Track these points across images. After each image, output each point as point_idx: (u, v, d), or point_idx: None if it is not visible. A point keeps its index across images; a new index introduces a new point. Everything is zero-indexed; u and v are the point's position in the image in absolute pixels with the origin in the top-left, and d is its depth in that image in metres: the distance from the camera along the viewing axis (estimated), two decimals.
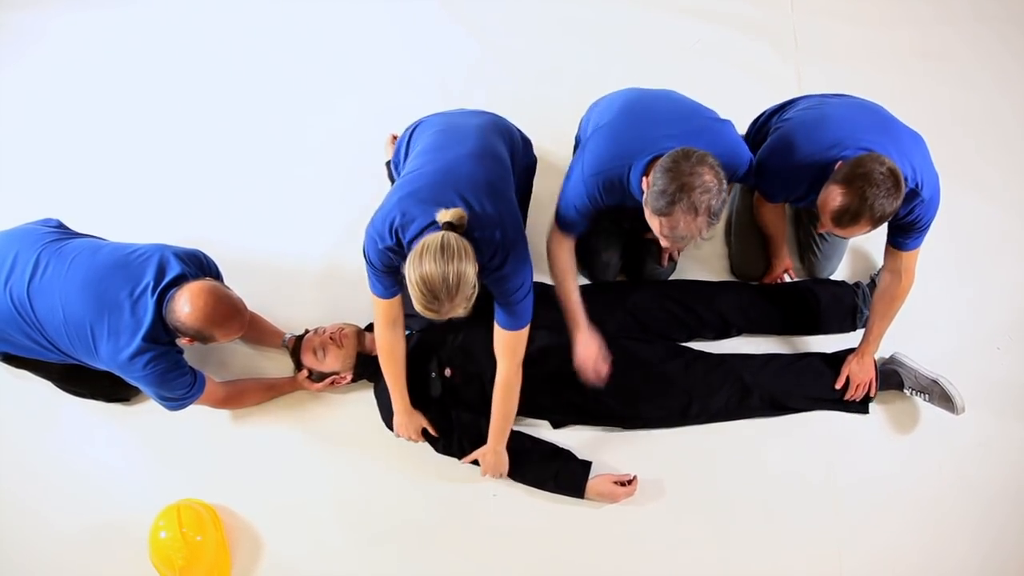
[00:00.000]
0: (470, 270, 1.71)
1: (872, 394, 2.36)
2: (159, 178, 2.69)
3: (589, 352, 2.17)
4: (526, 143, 2.27)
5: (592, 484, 2.30)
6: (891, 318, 2.25)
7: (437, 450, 2.33)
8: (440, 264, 1.68)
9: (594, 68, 2.77)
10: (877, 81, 2.75)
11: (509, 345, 2.05)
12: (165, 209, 2.64)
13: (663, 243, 1.85)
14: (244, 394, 2.36)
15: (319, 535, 2.36)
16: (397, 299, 2.03)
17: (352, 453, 2.41)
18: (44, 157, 2.73)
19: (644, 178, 1.84)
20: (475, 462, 2.29)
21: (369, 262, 1.95)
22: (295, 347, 2.37)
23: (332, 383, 2.36)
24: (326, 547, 2.35)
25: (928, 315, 2.47)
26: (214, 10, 2.91)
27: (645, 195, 1.81)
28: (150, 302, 1.99)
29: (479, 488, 2.38)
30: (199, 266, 2.12)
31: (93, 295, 2.00)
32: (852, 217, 1.81)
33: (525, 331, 2.02)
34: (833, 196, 1.83)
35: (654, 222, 1.80)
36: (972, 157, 2.68)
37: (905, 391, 2.38)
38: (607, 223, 2.36)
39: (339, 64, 2.83)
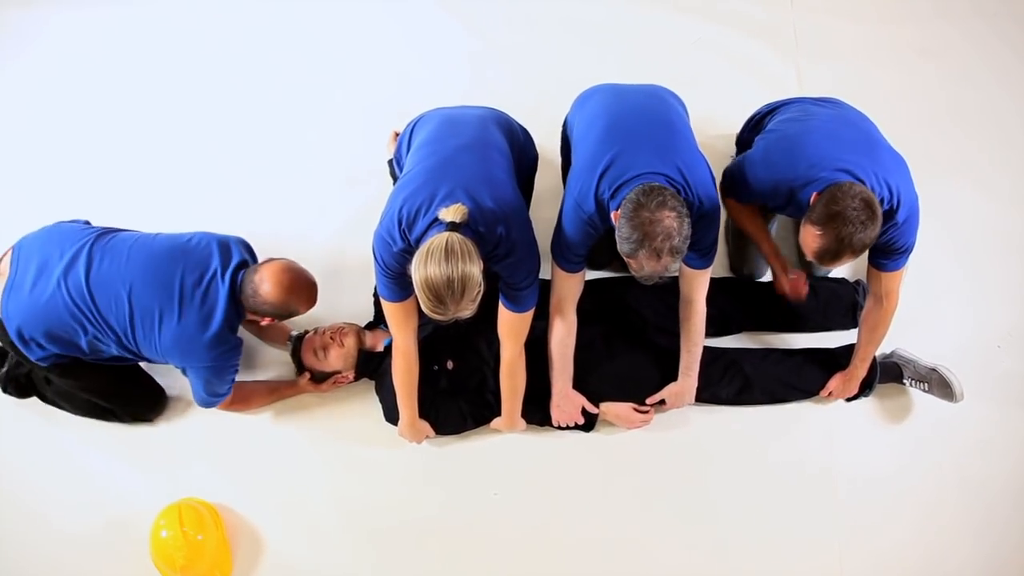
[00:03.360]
0: (475, 271, 1.72)
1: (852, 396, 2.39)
2: (160, 176, 2.68)
3: (570, 412, 2.29)
4: (527, 137, 2.27)
5: (610, 406, 2.32)
6: (877, 342, 2.26)
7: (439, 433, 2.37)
8: (444, 267, 1.69)
9: (594, 66, 2.76)
10: (877, 78, 2.75)
11: (514, 327, 2.07)
12: (166, 208, 2.63)
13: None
14: (248, 398, 2.36)
15: (320, 534, 2.36)
16: (411, 303, 2.02)
17: (353, 451, 2.41)
18: (44, 155, 2.73)
19: (614, 213, 1.88)
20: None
21: (383, 266, 1.94)
22: (295, 348, 2.37)
23: (335, 383, 2.37)
24: (326, 546, 2.35)
25: (928, 313, 2.47)
26: (214, 8, 2.90)
27: (615, 232, 1.86)
28: (222, 287, 2.02)
29: (480, 487, 2.39)
30: (250, 251, 2.16)
31: (161, 282, 2.02)
32: (833, 256, 1.85)
33: (530, 314, 2.05)
34: (811, 237, 1.86)
35: (625, 260, 1.86)
36: (972, 154, 2.67)
37: (904, 381, 2.38)
38: None
39: (338, 62, 2.82)
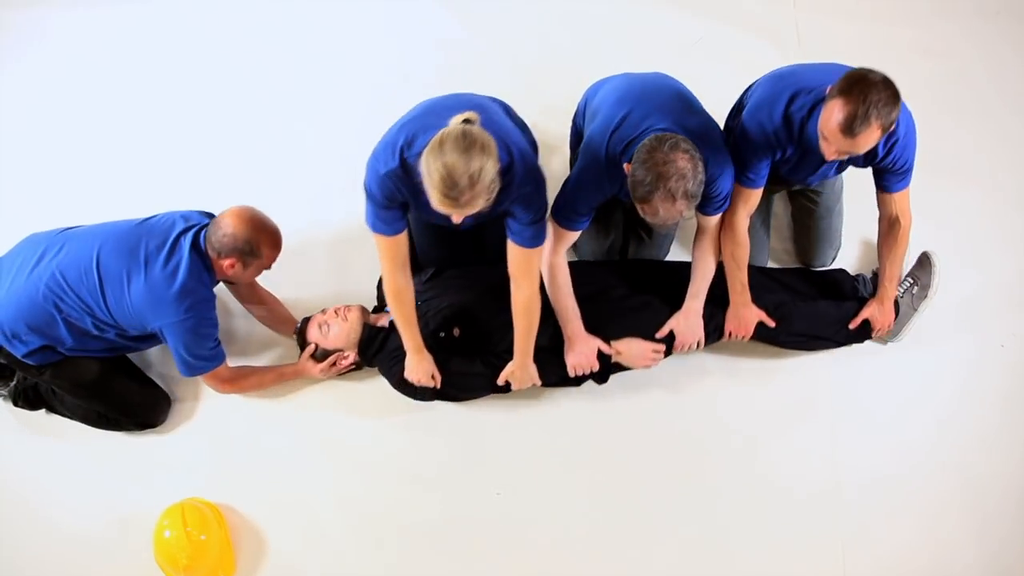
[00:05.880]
0: (490, 164, 1.69)
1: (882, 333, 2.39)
2: (162, 175, 2.69)
3: (586, 355, 2.24)
4: (526, 128, 2.27)
5: (623, 344, 2.28)
6: (900, 259, 2.28)
7: (455, 399, 2.35)
8: (462, 153, 1.66)
9: (595, 65, 2.72)
10: None
11: (528, 263, 2.04)
12: (169, 206, 2.63)
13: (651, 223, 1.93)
14: (248, 376, 2.34)
15: (323, 534, 2.36)
16: (403, 237, 2.01)
17: (356, 453, 2.41)
18: (46, 155, 2.73)
19: (626, 164, 1.89)
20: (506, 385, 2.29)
21: (370, 195, 1.93)
22: (301, 329, 2.38)
23: (335, 363, 2.35)
24: (330, 546, 2.35)
25: (931, 313, 2.47)
26: (214, 9, 2.91)
27: (628, 181, 1.87)
28: (185, 243, 2.07)
29: (483, 487, 2.39)
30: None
31: (127, 249, 2.07)
32: (862, 120, 1.77)
33: (540, 250, 2.04)
34: (836, 109, 1.80)
35: (637, 207, 1.88)
36: (973, 154, 2.67)
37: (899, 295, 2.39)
38: (602, 209, 2.38)
39: (338, 62, 2.82)
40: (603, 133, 2.00)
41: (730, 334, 2.32)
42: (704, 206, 2.11)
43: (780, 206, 2.59)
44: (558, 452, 2.41)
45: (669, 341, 2.29)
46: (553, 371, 2.28)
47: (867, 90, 1.77)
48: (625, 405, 2.44)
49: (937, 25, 2.85)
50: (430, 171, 1.69)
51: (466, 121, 1.74)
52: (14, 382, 2.37)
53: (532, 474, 2.40)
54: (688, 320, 2.27)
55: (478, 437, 2.42)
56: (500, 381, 2.27)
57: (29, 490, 2.39)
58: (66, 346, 2.15)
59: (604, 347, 2.26)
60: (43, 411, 2.41)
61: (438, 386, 2.27)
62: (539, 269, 2.08)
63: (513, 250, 2.03)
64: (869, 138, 1.81)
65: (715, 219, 2.17)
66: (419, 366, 2.23)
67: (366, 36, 2.86)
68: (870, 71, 1.81)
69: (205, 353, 2.16)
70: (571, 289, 2.20)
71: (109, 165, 2.71)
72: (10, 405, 2.41)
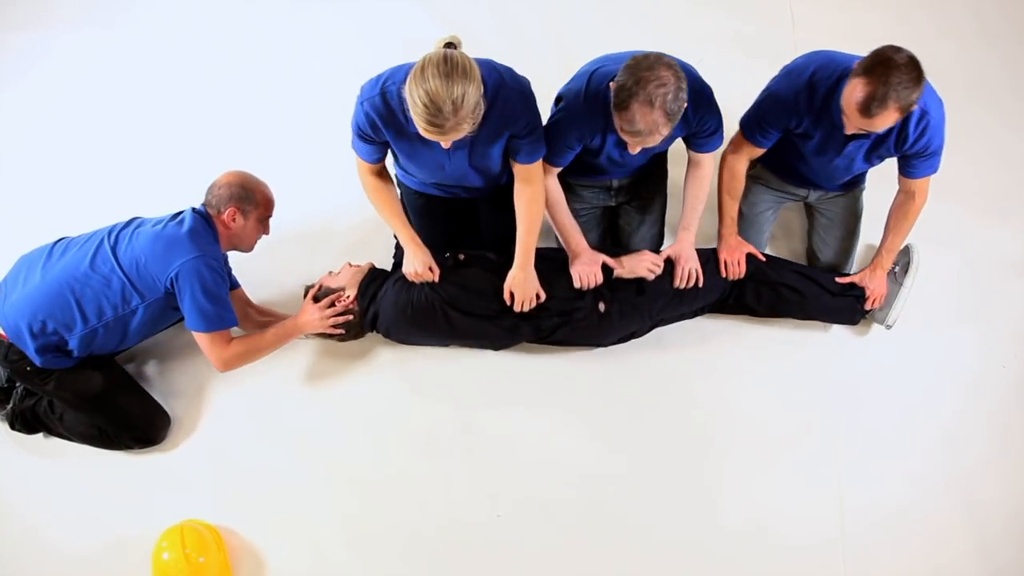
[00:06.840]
0: (472, 89, 1.70)
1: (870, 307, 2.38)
2: (167, 196, 2.68)
3: (590, 267, 2.25)
4: None
5: (625, 259, 2.31)
6: (905, 233, 2.29)
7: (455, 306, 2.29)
8: (443, 79, 1.67)
9: None
10: None
11: (531, 172, 2.10)
12: None
13: (629, 145, 1.97)
14: (248, 336, 2.28)
15: (322, 556, 2.35)
16: (380, 163, 2.12)
17: (356, 474, 2.41)
18: (51, 175, 2.75)
19: (611, 83, 1.93)
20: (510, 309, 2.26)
21: (352, 126, 1.99)
22: (308, 287, 2.41)
23: (334, 307, 2.31)
24: (329, 568, 2.35)
25: (932, 334, 2.47)
26: (215, 26, 2.93)
27: (612, 94, 1.90)
28: (187, 211, 2.19)
29: (484, 507, 2.39)
30: None
31: (132, 225, 2.19)
32: (880, 102, 1.82)
33: (540, 164, 2.10)
34: (857, 88, 1.85)
35: (616, 120, 1.91)
36: (976, 177, 2.67)
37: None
38: (588, 196, 2.42)
39: (338, 71, 2.82)
40: (584, 74, 2.07)
41: (725, 264, 2.33)
42: (695, 143, 2.19)
43: (796, 220, 2.60)
44: (559, 474, 2.41)
45: (668, 269, 2.31)
46: (557, 281, 2.27)
47: (888, 72, 1.80)
48: (624, 423, 2.44)
49: (938, 46, 2.85)
50: (413, 98, 1.70)
51: (448, 45, 1.74)
52: (11, 404, 2.37)
53: (533, 497, 2.39)
54: (683, 247, 2.31)
55: (479, 457, 2.42)
56: (505, 293, 2.23)
57: (28, 512, 2.39)
58: (75, 332, 2.15)
59: (609, 260, 2.28)
60: (41, 435, 2.41)
61: (436, 280, 2.24)
62: (541, 175, 2.13)
63: (516, 166, 2.09)
64: (886, 119, 1.86)
65: (707, 156, 2.22)
66: (416, 256, 2.21)
67: (361, 38, 2.89)
68: (897, 51, 1.83)
69: (224, 298, 2.15)
70: (567, 207, 2.26)
71: (114, 183, 2.72)
72: (7, 428, 2.40)
